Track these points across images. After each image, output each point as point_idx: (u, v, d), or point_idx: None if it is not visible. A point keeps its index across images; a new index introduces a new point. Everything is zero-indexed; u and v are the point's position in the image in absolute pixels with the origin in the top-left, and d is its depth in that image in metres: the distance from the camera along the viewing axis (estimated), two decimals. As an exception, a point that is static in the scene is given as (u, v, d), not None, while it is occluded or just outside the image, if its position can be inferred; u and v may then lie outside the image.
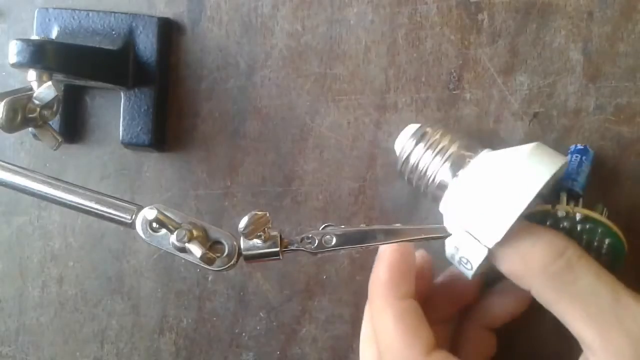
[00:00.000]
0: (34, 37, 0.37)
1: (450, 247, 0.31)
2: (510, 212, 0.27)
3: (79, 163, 0.41)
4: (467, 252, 0.29)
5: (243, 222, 0.28)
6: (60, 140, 0.35)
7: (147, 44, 0.39)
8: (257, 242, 0.29)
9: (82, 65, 0.37)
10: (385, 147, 0.37)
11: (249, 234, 0.28)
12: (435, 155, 0.32)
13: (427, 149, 0.32)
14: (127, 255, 0.41)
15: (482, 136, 0.36)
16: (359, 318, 0.38)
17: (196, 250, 0.28)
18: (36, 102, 0.33)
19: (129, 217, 0.30)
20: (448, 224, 0.31)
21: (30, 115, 0.33)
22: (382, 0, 0.36)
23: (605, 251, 0.31)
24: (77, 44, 0.38)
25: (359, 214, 0.38)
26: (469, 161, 0.31)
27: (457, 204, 0.31)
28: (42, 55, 0.33)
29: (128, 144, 0.39)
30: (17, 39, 0.33)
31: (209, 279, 0.40)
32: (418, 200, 0.37)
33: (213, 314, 0.40)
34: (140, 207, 0.30)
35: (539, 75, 0.35)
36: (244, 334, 0.40)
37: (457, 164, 0.31)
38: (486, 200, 0.28)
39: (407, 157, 0.33)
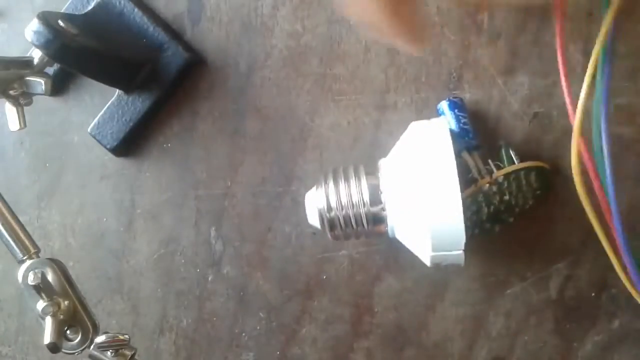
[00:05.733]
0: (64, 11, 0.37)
1: (433, 263, 0.31)
2: (455, 218, 0.29)
3: (79, 163, 0.41)
4: (449, 259, 0.30)
5: (101, 338, 0.30)
6: (23, 127, 0.35)
7: (165, 69, 0.38)
8: (108, 353, 0.31)
9: (95, 68, 0.37)
10: (385, 147, 0.37)
11: (102, 349, 0.31)
12: (351, 198, 0.32)
13: (344, 204, 0.32)
14: (127, 255, 0.41)
15: (482, 136, 0.36)
16: (359, 318, 0.38)
17: (48, 332, 0.29)
18: (24, 86, 0.33)
19: (21, 255, 0.31)
20: (412, 242, 0.32)
21: (12, 92, 0.33)
22: (382, 0, 0.36)
23: (536, 183, 0.33)
24: (99, 47, 0.36)
25: (359, 214, 0.38)
26: (379, 176, 0.32)
27: (412, 224, 0.31)
28: (60, 53, 0.33)
29: (92, 136, 0.40)
30: (40, 20, 0.32)
31: (209, 279, 0.40)
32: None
33: (213, 314, 0.40)
34: (37, 257, 0.31)
35: (539, 75, 0.35)
36: (244, 334, 0.40)
37: (374, 192, 0.32)
38: (431, 216, 0.29)
39: (332, 220, 0.32)
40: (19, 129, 0.35)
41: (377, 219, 0.32)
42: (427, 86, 0.36)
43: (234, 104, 0.39)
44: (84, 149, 0.41)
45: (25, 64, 0.34)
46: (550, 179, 0.34)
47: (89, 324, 0.31)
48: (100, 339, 0.30)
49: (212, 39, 0.39)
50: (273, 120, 0.38)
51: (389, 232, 0.33)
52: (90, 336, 0.30)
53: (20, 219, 0.32)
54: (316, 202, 0.33)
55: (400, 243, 0.33)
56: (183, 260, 0.40)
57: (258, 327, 0.40)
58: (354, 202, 0.32)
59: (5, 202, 0.32)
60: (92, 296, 0.41)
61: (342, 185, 0.32)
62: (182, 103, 0.40)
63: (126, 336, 0.31)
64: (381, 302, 0.38)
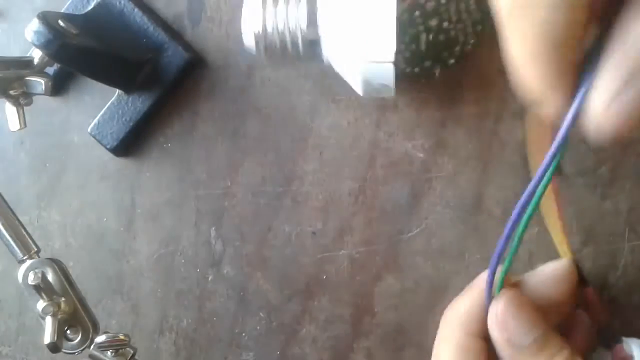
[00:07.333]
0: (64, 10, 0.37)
1: (363, 82, 0.31)
2: (387, 24, 0.28)
3: (79, 163, 0.41)
4: (379, 77, 0.30)
5: (101, 338, 0.31)
6: (23, 127, 0.35)
7: (165, 69, 0.38)
8: (108, 353, 0.32)
9: (95, 68, 0.37)
10: (385, 147, 0.37)
11: (102, 349, 0.31)
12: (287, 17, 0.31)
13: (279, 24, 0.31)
14: (127, 255, 0.41)
15: (481, 136, 0.36)
16: (359, 318, 0.38)
17: (48, 332, 0.30)
18: (24, 86, 0.33)
19: (21, 255, 0.31)
20: (344, 64, 0.31)
21: (12, 92, 0.34)
22: (382, 0, 0.36)
23: (476, 14, 0.33)
24: (99, 47, 0.36)
25: (359, 214, 0.38)
26: None
27: (344, 43, 0.30)
28: (60, 53, 0.33)
29: (92, 136, 0.40)
30: (40, 20, 0.32)
31: (209, 279, 0.40)
32: (418, 201, 0.37)
33: (213, 314, 0.40)
34: (37, 257, 0.31)
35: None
36: (244, 334, 0.40)
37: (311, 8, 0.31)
38: (363, 26, 0.29)
39: (263, 25, 0.32)
40: (19, 129, 0.35)
41: (313, 42, 0.31)
42: (428, 86, 0.36)
43: (234, 104, 0.39)
44: (84, 149, 0.41)
45: (25, 64, 0.34)
46: (488, 15, 0.33)
47: (89, 323, 0.31)
48: (100, 338, 0.30)
49: (212, 39, 0.39)
50: (273, 120, 0.38)
51: (324, 53, 0.32)
52: (91, 336, 0.31)
53: (20, 219, 0.32)
54: (251, 24, 0.32)
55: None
56: (183, 260, 0.40)
57: (258, 327, 0.40)
58: (289, 22, 0.31)
59: (5, 202, 0.32)
60: (92, 296, 0.41)
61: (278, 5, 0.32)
62: (182, 103, 0.40)
63: (126, 336, 0.31)
64: (381, 302, 0.38)
